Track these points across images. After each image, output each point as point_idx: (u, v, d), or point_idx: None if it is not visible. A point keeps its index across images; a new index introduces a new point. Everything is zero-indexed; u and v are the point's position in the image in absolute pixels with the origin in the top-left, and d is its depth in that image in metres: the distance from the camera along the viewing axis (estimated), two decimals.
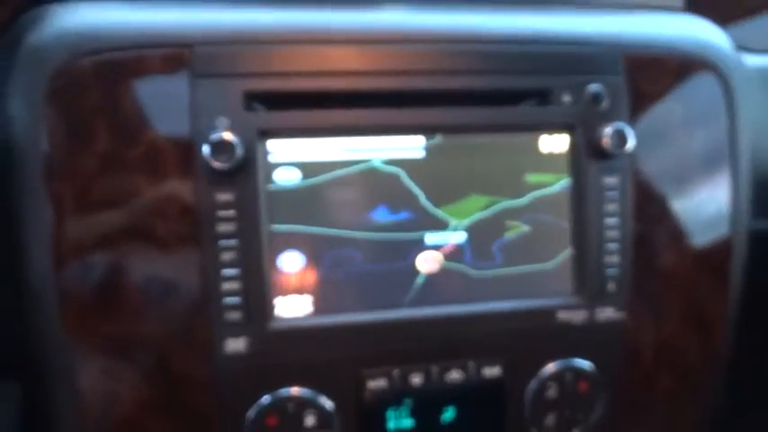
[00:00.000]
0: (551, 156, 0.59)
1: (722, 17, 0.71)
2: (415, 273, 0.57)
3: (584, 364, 0.61)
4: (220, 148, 0.51)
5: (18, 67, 0.51)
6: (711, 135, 0.63)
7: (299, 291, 0.55)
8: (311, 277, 0.55)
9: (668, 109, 0.62)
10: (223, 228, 0.53)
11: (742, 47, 0.71)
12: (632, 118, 0.60)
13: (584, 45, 0.59)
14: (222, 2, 0.56)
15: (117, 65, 0.51)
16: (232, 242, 0.53)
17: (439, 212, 0.57)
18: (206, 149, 0.51)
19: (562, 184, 0.59)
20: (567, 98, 0.58)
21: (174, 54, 0.52)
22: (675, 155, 0.62)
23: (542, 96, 0.58)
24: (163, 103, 0.52)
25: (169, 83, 0.52)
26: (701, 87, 0.63)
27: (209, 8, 0.55)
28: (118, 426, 0.54)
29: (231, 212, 0.53)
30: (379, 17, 0.57)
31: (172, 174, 0.52)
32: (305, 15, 0.56)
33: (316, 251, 0.55)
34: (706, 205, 0.64)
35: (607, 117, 0.58)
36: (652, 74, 0.61)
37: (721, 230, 0.64)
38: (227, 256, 0.53)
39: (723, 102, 0.64)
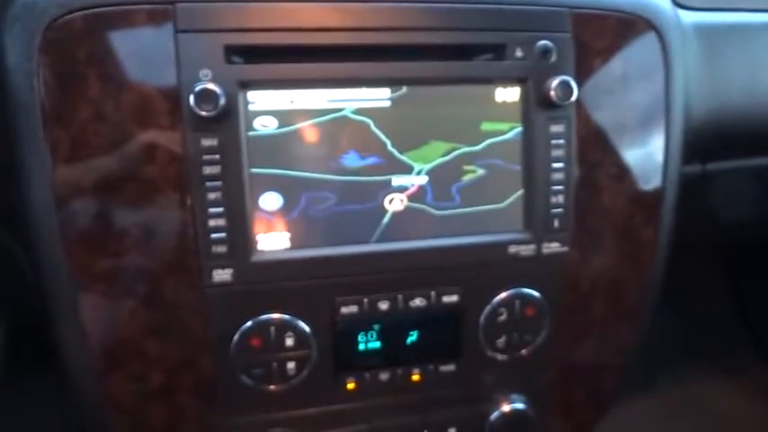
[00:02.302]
0: (505, 106, 0.65)
1: None
2: (383, 212, 0.63)
3: (532, 292, 0.69)
4: (204, 97, 0.55)
5: (12, 20, 0.54)
6: (649, 88, 0.70)
7: (279, 227, 0.61)
8: (289, 215, 0.61)
9: (610, 63, 0.68)
10: (209, 170, 0.58)
11: (680, 4, 0.77)
12: (577, 71, 0.66)
13: (535, 4, 0.65)
14: None
15: (106, 19, 0.55)
16: (217, 184, 0.58)
17: (404, 158, 0.63)
18: (191, 99, 0.55)
19: (514, 131, 0.65)
20: (519, 53, 0.64)
21: (159, 10, 0.56)
22: (616, 106, 0.69)
23: (497, 51, 0.64)
24: (150, 55, 0.57)
25: (155, 37, 0.56)
26: (640, 44, 0.69)
27: None
28: (117, 348, 0.60)
29: (216, 157, 0.58)
30: None
31: (160, 121, 0.57)
32: None
33: (293, 192, 0.61)
34: (642, 151, 0.71)
35: (555, 70, 0.64)
36: (596, 31, 0.67)
37: (655, 174, 0.72)
38: (212, 197, 0.58)
39: (660, 57, 0.70)
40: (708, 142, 0.78)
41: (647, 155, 0.71)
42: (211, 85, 0.56)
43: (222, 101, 0.56)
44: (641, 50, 0.69)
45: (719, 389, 1.49)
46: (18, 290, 1.02)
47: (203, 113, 0.56)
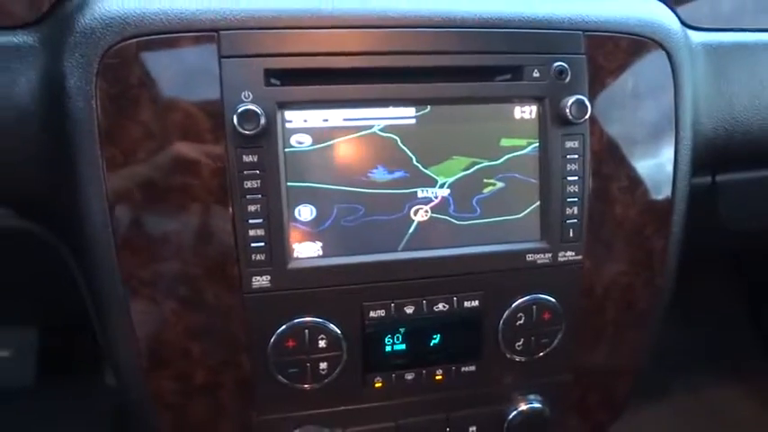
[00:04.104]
0: (523, 123, 0.69)
1: None
2: (409, 222, 0.67)
3: (548, 297, 0.73)
4: (246, 117, 0.60)
5: (72, 47, 0.59)
6: (658, 105, 0.74)
7: (312, 237, 0.66)
8: (322, 225, 0.65)
9: (622, 82, 0.72)
10: (249, 184, 0.62)
11: (689, 25, 0.81)
12: (591, 90, 0.70)
13: (551, 28, 0.69)
14: None
15: (156, 46, 0.60)
16: (257, 196, 0.63)
17: (428, 172, 0.67)
18: (234, 118, 0.60)
19: (532, 147, 0.69)
20: (536, 73, 0.68)
21: (204, 37, 0.61)
22: (627, 122, 0.72)
23: (515, 72, 0.68)
24: (196, 78, 0.61)
25: (201, 61, 0.61)
26: (650, 63, 0.73)
27: None
28: (164, 348, 0.65)
29: (256, 172, 0.62)
30: (378, 4, 0.66)
31: (205, 138, 0.62)
32: (314, 2, 0.65)
33: (325, 204, 0.65)
34: (652, 165, 0.74)
35: (569, 89, 0.68)
36: (608, 52, 0.71)
37: (665, 186, 0.75)
38: (252, 208, 0.63)
39: (670, 76, 0.73)
40: (717, 155, 0.82)
41: (657, 168, 0.75)
42: (253, 106, 0.60)
43: (263, 120, 0.60)
44: (651, 70, 0.73)
45: (733, 394, 1.51)
46: (50, 297, 1.08)
47: (246, 132, 0.60)
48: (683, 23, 0.79)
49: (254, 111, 0.60)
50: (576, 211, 0.71)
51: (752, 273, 1.56)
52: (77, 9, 0.61)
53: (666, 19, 0.75)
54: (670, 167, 0.75)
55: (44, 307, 1.22)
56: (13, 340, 1.32)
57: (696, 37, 0.80)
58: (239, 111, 0.60)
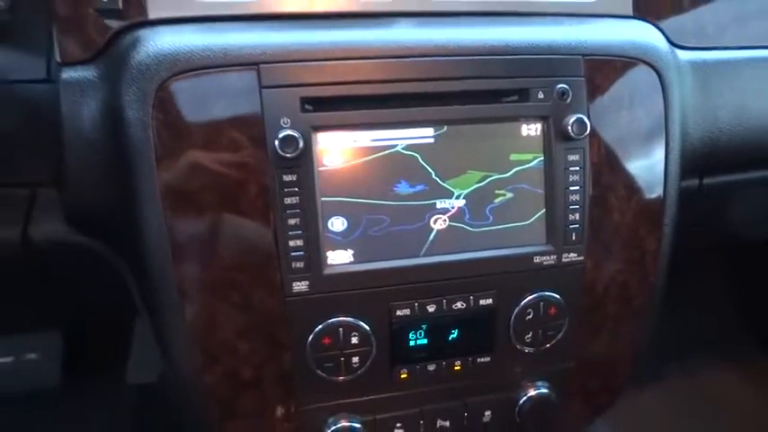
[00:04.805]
0: (529, 139, 0.76)
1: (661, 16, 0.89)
2: (429, 230, 0.75)
3: (554, 295, 0.80)
4: (287, 142, 0.67)
5: (130, 82, 0.66)
6: (650, 119, 0.81)
7: (344, 245, 0.73)
8: (352, 235, 0.73)
9: (618, 100, 0.79)
10: (289, 201, 0.70)
11: (677, 45, 0.89)
12: (590, 108, 0.77)
13: (554, 53, 0.76)
14: (279, 26, 0.73)
15: (204, 79, 0.67)
16: (296, 211, 0.70)
17: (446, 185, 0.74)
18: (276, 143, 0.67)
19: (538, 160, 0.77)
20: (540, 95, 0.75)
21: (246, 70, 0.68)
22: (623, 135, 0.80)
23: (522, 94, 0.75)
24: (240, 107, 0.68)
25: (244, 92, 0.68)
26: (642, 82, 0.80)
27: (270, 30, 0.72)
28: (216, 347, 0.73)
29: (295, 189, 0.70)
30: (399, 36, 0.74)
31: (250, 161, 0.69)
32: (342, 36, 0.72)
33: (355, 216, 0.72)
34: (645, 173, 0.82)
35: (571, 109, 0.76)
36: (605, 73, 0.78)
37: (657, 191, 0.83)
38: (292, 222, 0.70)
39: (660, 93, 0.81)
40: (703, 161, 0.90)
41: (649, 176, 0.82)
42: (291, 131, 0.67)
43: (301, 144, 0.68)
44: (644, 88, 0.80)
45: (727, 378, 1.58)
46: (76, 301, 1.14)
47: (286, 155, 0.67)
48: (672, 44, 0.87)
49: (293, 136, 0.67)
50: (577, 218, 0.79)
51: (745, 263, 1.63)
52: (131, 47, 0.68)
53: (657, 41, 0.83)
54: (661, 175, 0.83)
55: (70, 311, 1.29)
56: (40, 343, 1.38)
57: (683, 55, 0.88)
58: (280, 136, 0.67)
